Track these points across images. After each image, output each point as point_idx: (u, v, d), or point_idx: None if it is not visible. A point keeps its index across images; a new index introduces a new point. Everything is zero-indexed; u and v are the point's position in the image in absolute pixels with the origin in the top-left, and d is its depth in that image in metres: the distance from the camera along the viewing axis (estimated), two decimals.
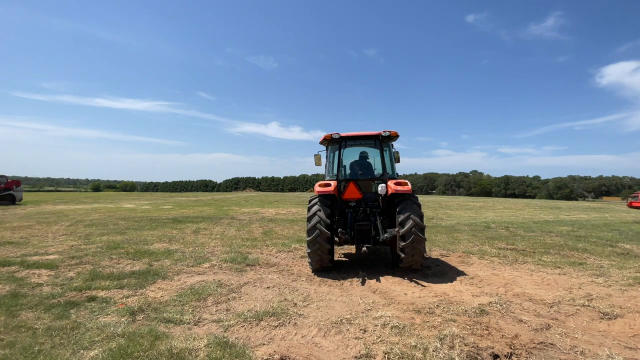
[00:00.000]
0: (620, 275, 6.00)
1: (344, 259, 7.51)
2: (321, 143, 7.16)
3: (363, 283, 5.51)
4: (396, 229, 5.74)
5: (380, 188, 6.15)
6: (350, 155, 7.35)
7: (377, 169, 6.96)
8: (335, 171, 6.76)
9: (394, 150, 7.31)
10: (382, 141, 6.67)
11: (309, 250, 5.89)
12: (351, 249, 8.51)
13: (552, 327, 3.79)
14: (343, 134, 6.64)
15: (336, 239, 6.22)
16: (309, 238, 5.79)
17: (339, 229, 5.95)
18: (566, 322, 3.98)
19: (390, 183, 6.09)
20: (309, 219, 5.89)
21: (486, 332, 3.64)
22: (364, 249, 8.36)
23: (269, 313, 4.14)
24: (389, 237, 5.86)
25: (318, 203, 5.99)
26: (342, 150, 6.73)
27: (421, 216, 5.77)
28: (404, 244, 5.66)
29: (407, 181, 6.04)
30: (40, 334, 3.54)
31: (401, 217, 5.73)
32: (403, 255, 5.74)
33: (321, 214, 5.82)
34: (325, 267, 6.13)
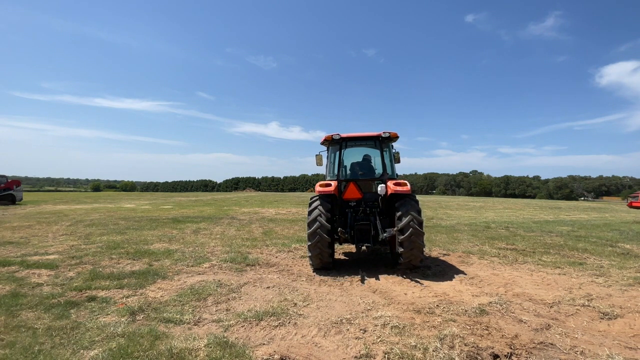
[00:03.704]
0: (620, 275, 6.01)
1: (344, 258, 7.51)
2: (322, 144, 7.19)
3: (363, 283, 5.52)
4: (395, 228, 5.78)
5: (380, 188, 6.19)
6: (351, 155, 7.39)
7: (377, 170, 6.99)
8: (335, 171, 6.79)
9: (394, 150, 7.34)
10: (382, 142, 6.72)
11: (310, 254, 5.99)
12: (351, 248, 8.52)
13: (552, 327, 3.79)
14: (343, 134, 6.68)
15: (336, 236, 6.28)
16: (310, 243, 5.88)
17: (339, 228, 6.00)
18: (566, 322, 3.98)
19: (390, 183, 6.13)
20: (310, 224, 5.94)
21: (486, 332, 3.64)
22: (364, 248, 8.38)
23: (269, 313, 4.14)
24: (389, 236, 5.89)
25: (319, 206, 6.03)
26: (342, 150, 6.77)
27: (419, 211, 5.85)
28: (402, 237, 5.71)
29: (406, 181, 6.09)
30: (40, 334, 3.54)
31: (399, 213, 5.83)
32: (402, 250, 5.78)
33: (321, 218, 5.86)
34: (326, 265, 6.18)
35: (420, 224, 5.74)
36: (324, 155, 7.48)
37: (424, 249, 5.93)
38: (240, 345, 3.32)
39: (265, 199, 42.84)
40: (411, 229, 5.63)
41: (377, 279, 5.75)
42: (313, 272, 6.17)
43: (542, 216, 19.62)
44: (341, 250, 8.30)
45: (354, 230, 6.30)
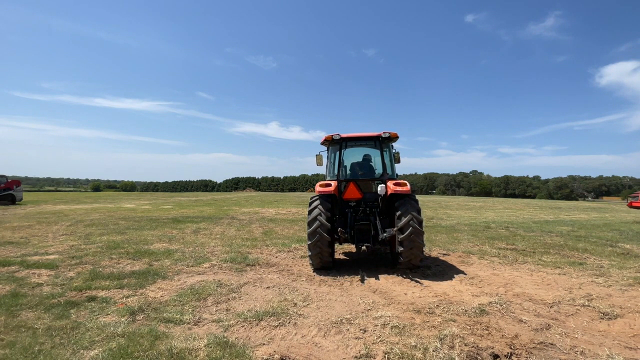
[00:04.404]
0: (620, 275, 6.01)
1: (344, 258, 7.51)
2: (322, 144, 7.20)
3: (363, 283, 5.52)
4: (395, 227, 5.79)
5: (380, 188, 6.20)
6: (351, 155, 7.40)
7: (377, 170, 7.00)
8: (335, 171, 6.80)
9: (394, 150, 7.35)
10: (382, 142, 6.73)
11: (310, 254, 5.99)
12: (351, 248, 8.53)
13: (552, 327, 3.79)
14: (344, 135, 6.69)
15: (336, 236, 6.28)
16: (310, 242, 5.89)
17: (339, 228, 6.01)
18: (566, 322, 3.98)
19: (390, 183, 6.14)
20: (310, 223, 5.95)
21: (486, 332, 3.64)
22: (364, 248, 8.39)
23: (269, 313, 4.14)
24: (388, 236, 5.90)
25: (319, 206, 6.03)
26: (342, 150, 6.78)
27: (419, 211, 5.87)
28: (402, 236, 5.72)
29: (406, 182, 6.09)
30: (40, 334, 3.54)
31: (399, 213, 5.85)
32: (402, 249, 5.79)
33: (322, 218, 5.87)
34: (326, 264, 6.17)
35: (420, 223, 5.76)
36: (324, 155, 7.50)
37: (424, 249, 5.94)
38: (240, 345, 3.32)
39: (265, 199, 42.84)
40: (411, 227, 5.64)
41: (377, 279, 5.75)
42: (313, 272, 6.17)
43: (542, 216, 19.62)
44: (341, 250, 8.30)
45: (354, 230, 6.31)
